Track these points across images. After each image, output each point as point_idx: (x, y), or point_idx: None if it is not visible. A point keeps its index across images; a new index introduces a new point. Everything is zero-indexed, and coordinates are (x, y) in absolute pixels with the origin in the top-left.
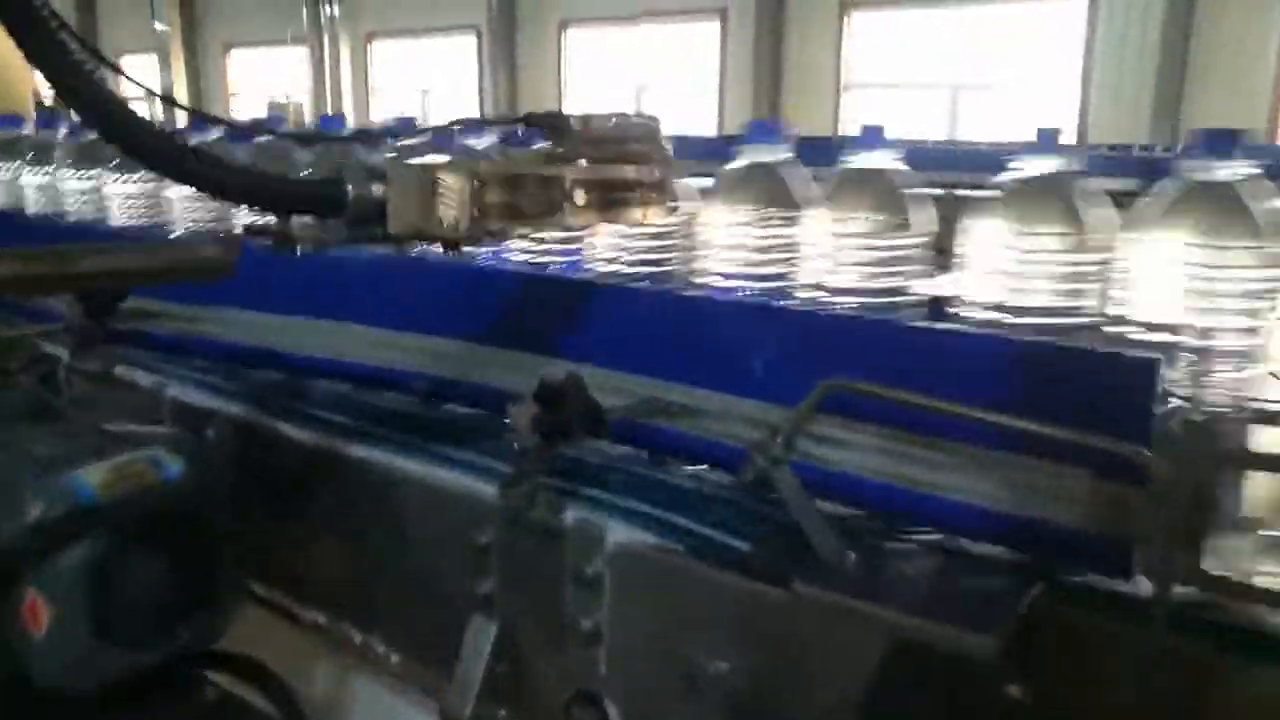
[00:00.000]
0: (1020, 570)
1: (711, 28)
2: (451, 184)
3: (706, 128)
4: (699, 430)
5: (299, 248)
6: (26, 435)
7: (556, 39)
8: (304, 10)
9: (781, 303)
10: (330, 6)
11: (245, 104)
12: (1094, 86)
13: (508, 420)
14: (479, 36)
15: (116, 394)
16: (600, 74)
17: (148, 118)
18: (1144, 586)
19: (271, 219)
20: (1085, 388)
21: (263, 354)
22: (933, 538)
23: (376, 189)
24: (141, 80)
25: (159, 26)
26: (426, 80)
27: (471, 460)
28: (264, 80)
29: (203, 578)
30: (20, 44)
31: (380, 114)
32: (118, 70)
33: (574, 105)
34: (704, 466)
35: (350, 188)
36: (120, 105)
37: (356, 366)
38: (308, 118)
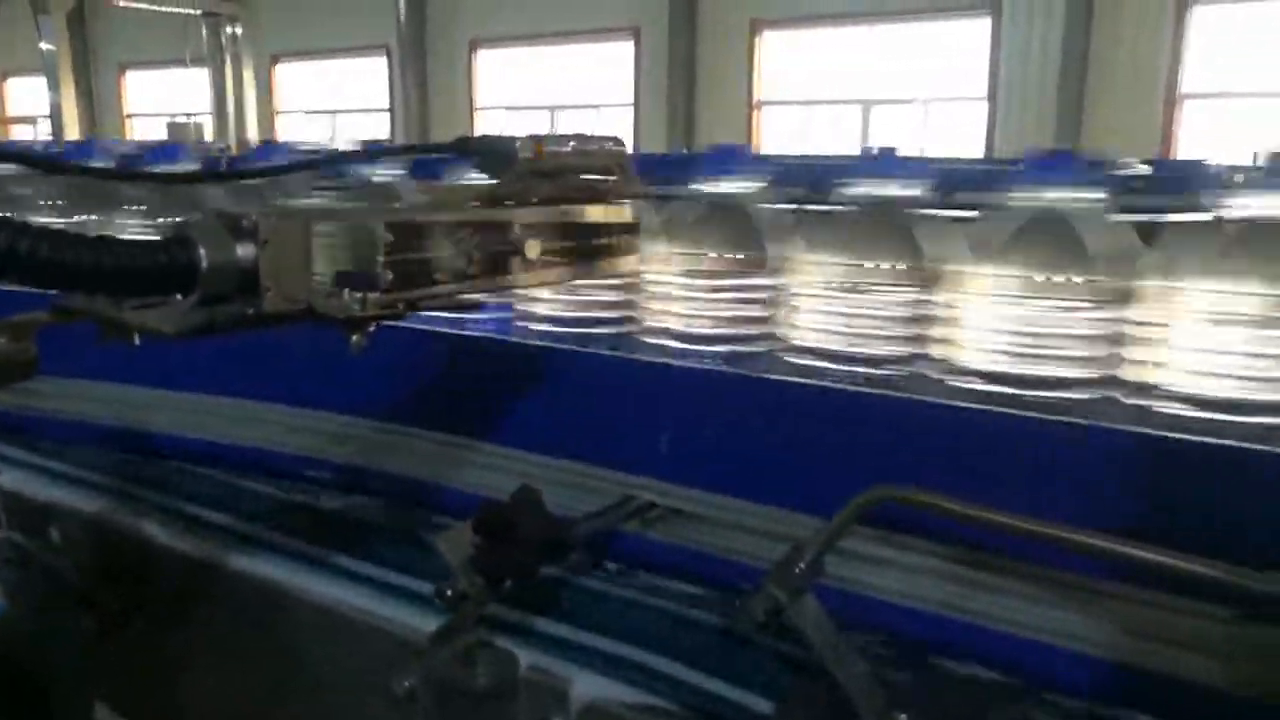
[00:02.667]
0: None
1: (625, 47)
2: (353, 240)
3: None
4: (691, 542)
5: (135, 338)
6: None
7: (468, 59)
8: (203, 31)
9: (797, 377)
10: (232, 27)
11: (144, 126)
12: (1000, 99)
13: (439, 549)
14: (389, 57)
15: None
16: (513, 94)
17: None
18: None
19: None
20: (1226, 494)
21: (124, 435)
22: (1014, 691)
23: (243, 251)
24: None
25: (45, 46)
26: (335, 101)
27: (391, 580)
28: (164, 102)
29: None
30: None
31: (288, 136)
32: None
33: (487, 127)
34: (703, 590)
35: (203, 253)
36: None
37: (244, 451)
38: (209, 138)
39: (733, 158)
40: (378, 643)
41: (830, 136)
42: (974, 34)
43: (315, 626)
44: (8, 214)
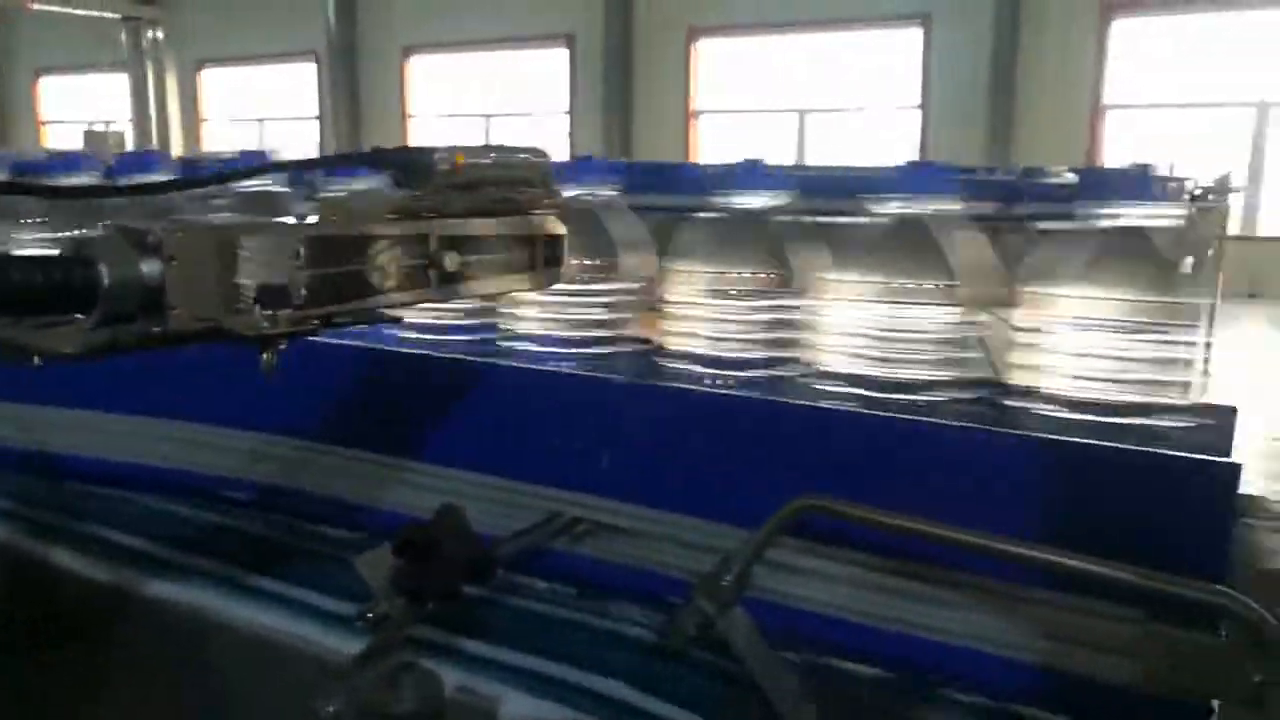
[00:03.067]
0: None
1: (560, 54)
2: (264, 254)
3: (559, 155)
4: (619, 557)
5: (35, 359)
6: None
7: (400, 66)
8: (123, 35)
9: (732, 390)
10: (153, 31)
11: (61, 133)
12: (932, 108)
13: (359, 570)
14: (318, 63)
15: None
16: (447, 102)
17: None
18: None
19: None
20: (1140, 501)
21: (31, 457)
22: (941, 697)
23: (148, 268)
24: None
25: None
26: (263, 109)
27: (311, 601)
28: (82, 108)
29: None
30: None
31: (213, 144)
32: None
33: (420, 135)
34: (625, 605)
35: (105, 269)
36: None
37: (158, 472)
38: (129, 146)
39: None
40: (300, 666)
41: (767, 145)
42: (906, 44)
43: (235, 651)
44: None
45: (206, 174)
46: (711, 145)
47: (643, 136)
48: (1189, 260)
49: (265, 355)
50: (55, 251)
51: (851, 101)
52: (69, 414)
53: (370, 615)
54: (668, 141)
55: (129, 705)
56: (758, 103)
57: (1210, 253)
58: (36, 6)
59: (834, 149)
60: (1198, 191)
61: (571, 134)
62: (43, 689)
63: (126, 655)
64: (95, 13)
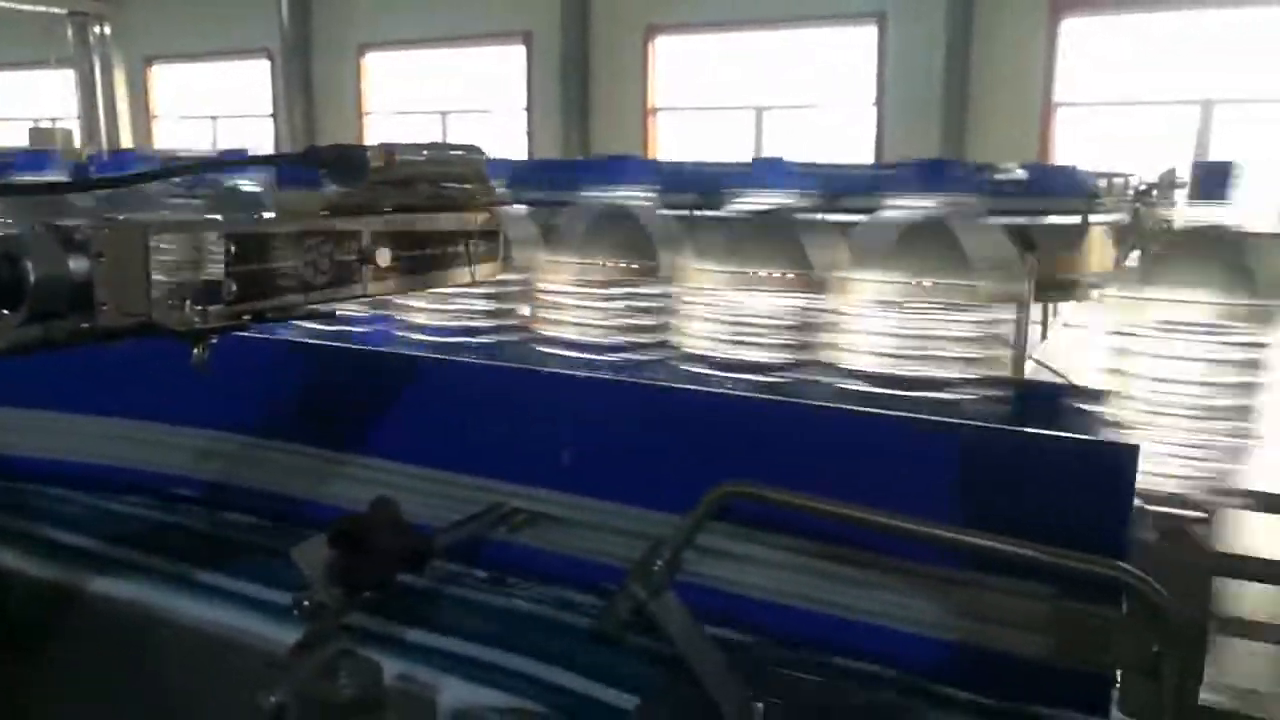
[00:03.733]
0: (975, 711)
1: (517, 51)
2: (193, 250)
3: (517, 152)
4: (556, 545)
5: None
6: None
7: (356, 63)
8: (69, 30)
9: (658, 379)
10: (100, 26)
11: (6, 131)
12: (888, 106)
13: (295, 561)
14: (271, 60)
15: None
16: (404, 99)
17: None
18: None
19: None
20: (1041, 483)
21: None
22: (863, 672)
23: (76, 264)
24: None
25: None
26: (216, 106)
27: (254, 594)
28: (28, 105)
29: None
30: None
31: (165, 142)
32: None
33: (376, 132)
34: (563, 592)
35: (31, 265)
36: None
37: (99, 470)
38: (77, 144)
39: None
40: (245, 659)
41: (725, 142)
42: (861, 42)
43: (180, 646)
44: None
45: (144, 173)
46: (670, 143)
47: (602, 134)
48: (1135, 254)
49: (197, 350)
50: None
51: (809, 98)
52: (13, 413)
53: (306, 604)
54: (627, 139)
55: (76, 702)
56: (716, 99)
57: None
58: None
59: (792, 146)
60: (1142, 187)
61: (530, 131)
62: None
63: (72, 653)
64: (41, 8)
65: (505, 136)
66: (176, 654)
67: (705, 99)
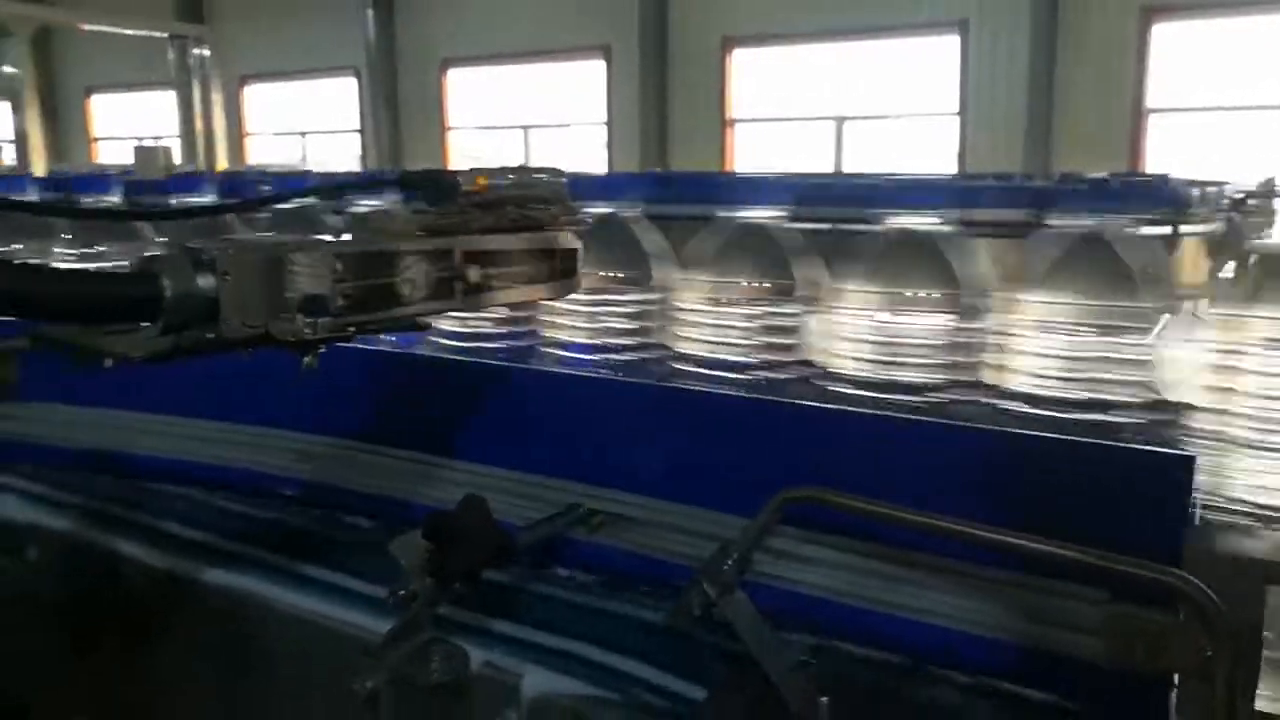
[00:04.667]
0: (1032, 710)
1: (597, 65)
2: (306, 269)
3: (597, 165)
4: (632, 545)
5: (107, 362)
6: None
7: (439, 79)
8: (170, 53)
9: (727, 391)
10: (199, 48)
11: (112, 149)
12: (970, 115)
13: (392, 553)
14: (358, 77)
15: None
16: (486, 114)
17: None
18: None
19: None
20: (1100, 492)
21: (99, 457)
22: (923, 672)
23: (204, 282)
24: None
25: (9, 70)
26: (305, 122)
27: (353, 588)
28: (132, 125)
29: None
30: None
31: (257, 158)
32: None
33: (459, 146)
34: (639, 589)
35: (167, 283)
36: None
37: (212, 470)
38: (177, 161)
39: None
40: (340, 645)
41: (804, 154)
42: (943, 51)
43: (281, 633)
44: None
45: (250, 191)
46: (749, 154)
47: (679, 146)
48: (1230, 264)
49: (306, 359)
50: (126, 269)
51: (890, 108)
52: (134, 417)
53: (401, 594)
54: (704, 150)
55: (187, 681)
56: (795, 110)
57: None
58: (88, 27)
59: (873, 156)
60: (1239, 196)
61: (609, 144)
62: (109, 668)
63: (183, 636)
64: (144, 32)
65: (585, 150)
66: (279, 640)
67: (784, 110)
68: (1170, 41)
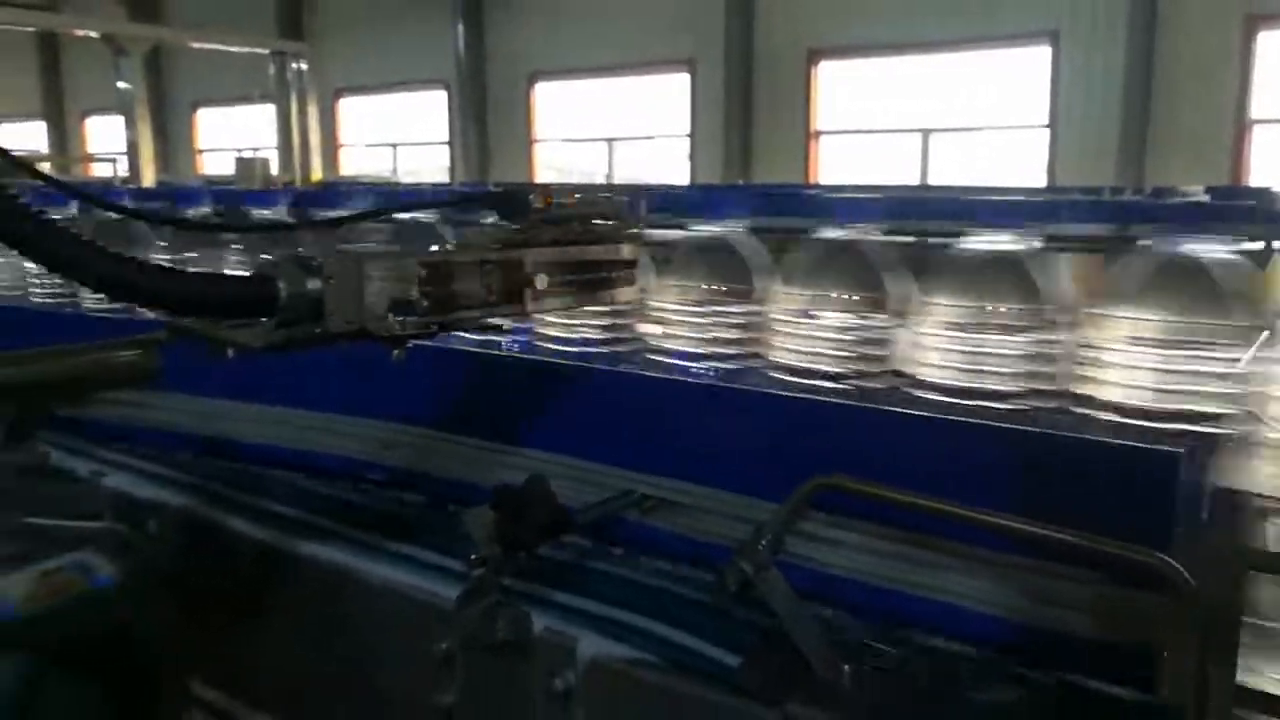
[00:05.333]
0: (1034, 684)
1: (681, 78)
2: (396, 275)
3: (680, 177)
4: (678, 527)
5: (229, 351)
6: None
7: (526, 92)
8: (271, 68)
9: (767, 388)
10: (298, 63)
11: (215, 160)
12: (1061, 130)
13: (465, 523)
14: (448, 90)
15: (50, 485)
16: (572, 126)
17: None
18: (1170, 702)
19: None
20: (1099, 484)
21: (210, 442)
22: (938, 647)
23: (312, 284)
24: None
25: (123, 85)
26: (396, 134)
27: (431, 560)
28: (233, 136)
29: (139, 693)
30: None
31: (350, 169)
32: None
33: (544, 159)
34: (684, 567)
35: (282, 285)
36: (9, 201)
37: (309, 455)
38: (275, 172)
39: None
40: (419, 612)
41: (889, 166)
42: (1033, 61)
43: (367, 600)
44: (135, 255)
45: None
46: (833, 166)
47: (763, 158)
48: None
49: (396, 352)
50: (248, 271)
51: (976, 121)
52: (240, 406)
53: (473, 558)
54: (789, 163)
55: (283, 642)
56: (881, 123)
57: None
58: (196, 45)
59: (959, 170)
60: None
61: (691, 156)
62: (217, 631)
63: (281, 602)
64: (247, 49)
65: (668, 162)
66: (365, 606)
67: (869, 122)
68: (1276, 50)
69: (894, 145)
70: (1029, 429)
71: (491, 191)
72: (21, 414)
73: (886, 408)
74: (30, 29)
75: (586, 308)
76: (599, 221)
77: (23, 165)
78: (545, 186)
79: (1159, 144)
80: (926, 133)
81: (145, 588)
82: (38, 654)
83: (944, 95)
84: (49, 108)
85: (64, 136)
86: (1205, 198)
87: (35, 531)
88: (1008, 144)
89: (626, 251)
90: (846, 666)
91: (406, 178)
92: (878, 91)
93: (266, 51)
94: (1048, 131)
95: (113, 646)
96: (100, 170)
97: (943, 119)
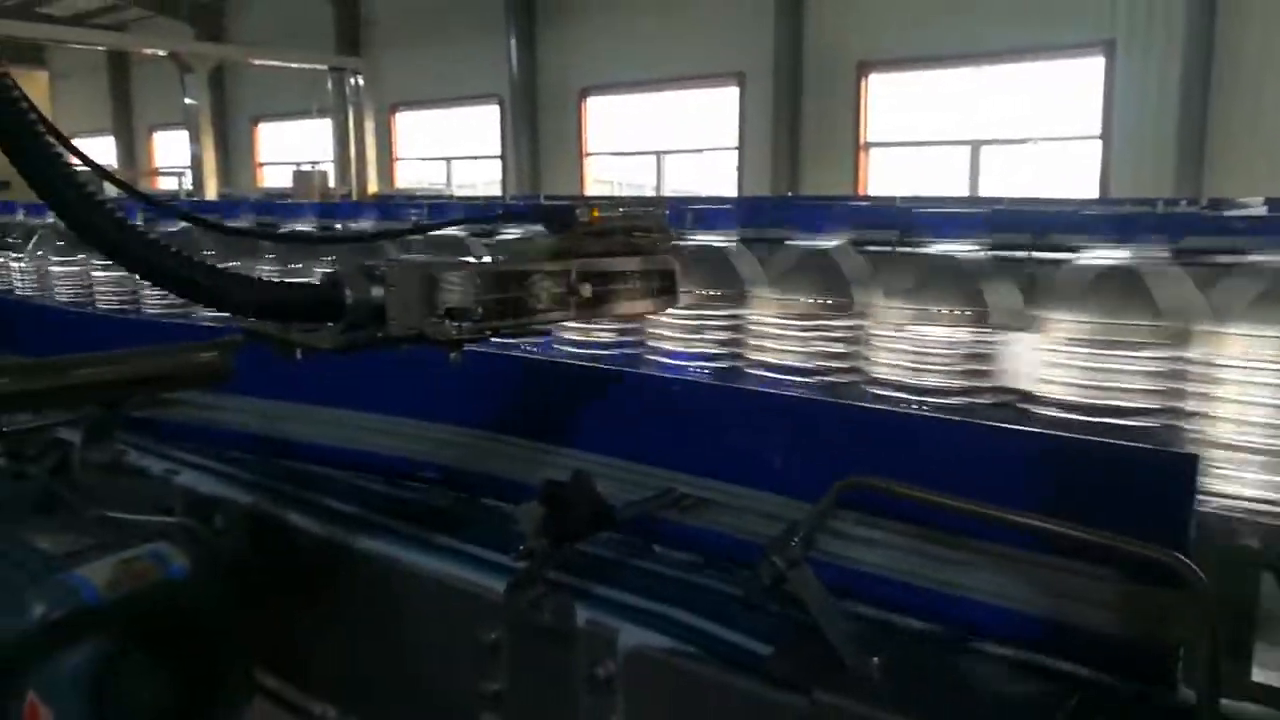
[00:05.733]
0: (1056, 678)
1: (730, 92)
2: (453, 284)
3: (727, 189)
4: (715, 525)
5: (298, 353)
6: (33, 529)
7: (578, 106)
8: (329, 83)
9: (799, 394)
10: (354, 79)
11: (274, 174)
12: (1115, 139)
13: (515, 517)
14: (501, 106)
15: (127, 482)
16: (621, 139)
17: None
18: (1188, 697)
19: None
20: (1118, 485)
21: (273, 442)
22: (961, 642)
23: (376, 292)
24: (94, 158)
25: (189, 101)
26: (450, 148)
27: (481, 555)
28: (291, 150)
29: (208, 677)
30: (9, 154)
31: (404, 182)
32: (76, 153)
33: (594, 172)
34: (720, 563)
35: (349, 292)
36: (109, 215)
37: (366, 455)
38: (332, 185)
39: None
40: (468, 602)
41: (939, 177)
42: (1086, 72)
43: (420, 591)
44: (215, 265)
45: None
46: (882, 177)
47: (812, 170)
48: None
49: (453, 355)
50: (316, 280)
51: (1027, 132)
52: (300, 408)
53: (521, 550)
54: (837, 174)
55: (340, 630)
56: (930, 134)
57: None
58: (258, 62)
59: (1009, 181)
60: None
61: (740, 168)
62: (278, 621)
63: (339, 593)
64: (306, 65)
65: (716, 174)
66: (417, 598)
67: (919, 134)
68: None
69: (943, 157)
70: (1055, 434)
71: (539, 205)
72: (116, 408)
73: (917, 412)
74: (102, 48)
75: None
76: (641, 234)
77: (116, 180)
78: (592, 200)
79: (1217, 155)
80: (976, 144)
81: (213, 579)
82: (117, 638)
83: (993, 106)
84: (118, 123)
85: (132, 151)
86: (1263, 209)
87: (114, 524)
88: (1057, 155)
89: (668, 262)
90: (875, 659)
91: (459, 190)
92: (926, 103)
93: (325, 67)
94: (1100, 142)
95: (183, 633)
96: (166, 183)
97: (992, 130)
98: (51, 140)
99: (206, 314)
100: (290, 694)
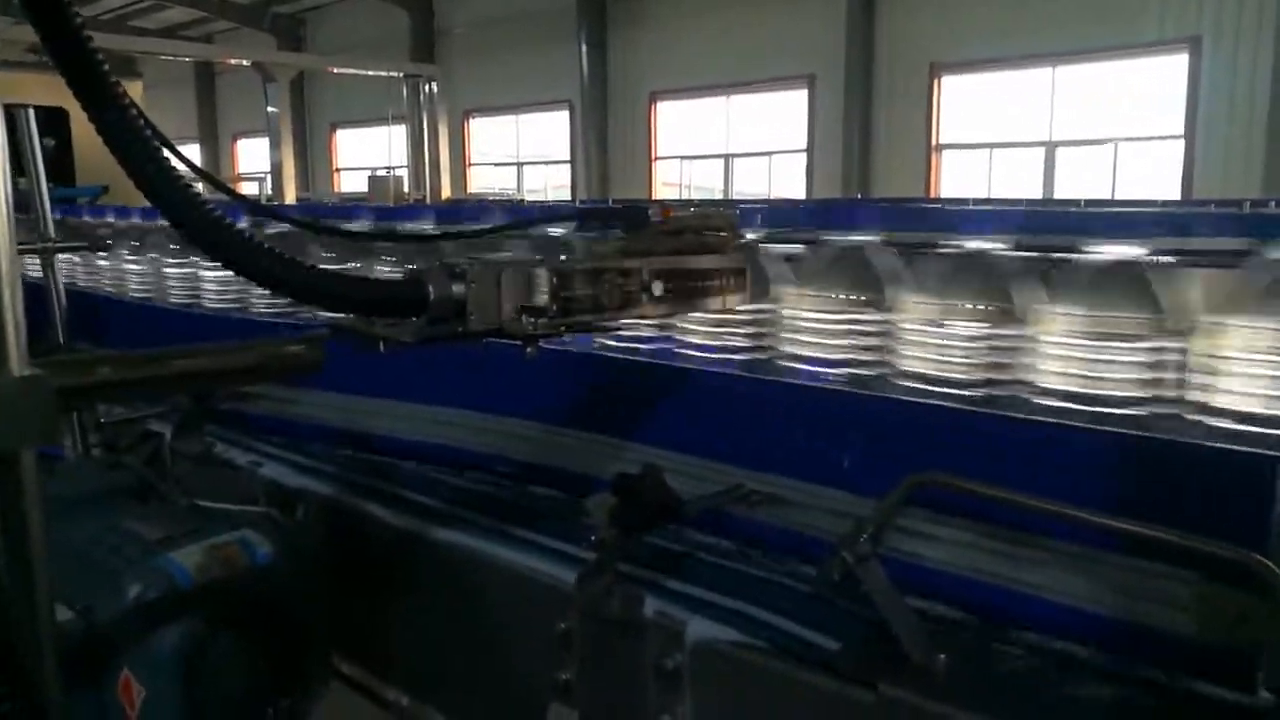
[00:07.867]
0: (1126, 678)
1: (799, 95)
2: (529, 281)
3: (796, 192)
4: (783, 521)
5: (381, 346)
6: (128, 515)
7: (647, 110)
8: (404, 91)
9: (870, 390)
10: (429, 85)
11: (350, 178)
12: (1199, 139)
13: (587, 507)
14: (571, 111)
15: (215, 472)
16: (689, 143)
17: (237, 224)
18: (1267, 700)
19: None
20: (1198, 486)
21: (354, 435)
22: (1031, 640)
23: (457, 289)
24: (196, 163)
25: (270, 109)
26: (522, 153)
27: (553, 546)
28: (367, 156)
29: (289, 661)
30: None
31: (477, 185)
32: (182, 158)
33: (663, 174)
34: (787, 558)
35: (431, 288)
36: (207, 214)
37: (440, 448)
38: (406, 190)
39: None
40: (541, 592)
41: (1013, 179)
42: (1169, 71)
43: (494, 581)
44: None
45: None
46: (954, 180)
47: (883, 173)
48: None
49: (529, 350)
50: (400, 276)
51: (1104, 133)
52: (378, 403)
53: (594, 539)
54: (908, 176)
55: (416, 619)
56: (1004, 135)
57: None
58: (337, 70)
59: (1086, 183)
60: None
61: (809, 171)
62: (358, 608)
63: (415, 583)
64: (382, 73)
65: (785, 177)
66: (490, 588)
67: (992, 135)
68: None
69: (1019, 159)
70: (1133, 434)
71: (613, 207)
72: (206, 401)
73: (988, 410)
74: (189, 59)
75: (695, 313)
76: (711, 233)
77: (221, 186)
78: (663, 201)
79: None
80: (1051, 146)
81: (295, 566)
82: (206, 620)
83: (1069, 107)
84: (203, 131)
85: (216, 157)
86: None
87: (203, 512)
88: (1137, 157)
89: (736, 260)
90: (941, 655)
91: (530, 195)
92: (1002, 102)
93: (400, 75)
94: (1182, 143)
95: (267, 617)
96: (247, 188)
97: (1069, 131)
98: (161, 149)
99: (303, 313)
100: (365, 680)
